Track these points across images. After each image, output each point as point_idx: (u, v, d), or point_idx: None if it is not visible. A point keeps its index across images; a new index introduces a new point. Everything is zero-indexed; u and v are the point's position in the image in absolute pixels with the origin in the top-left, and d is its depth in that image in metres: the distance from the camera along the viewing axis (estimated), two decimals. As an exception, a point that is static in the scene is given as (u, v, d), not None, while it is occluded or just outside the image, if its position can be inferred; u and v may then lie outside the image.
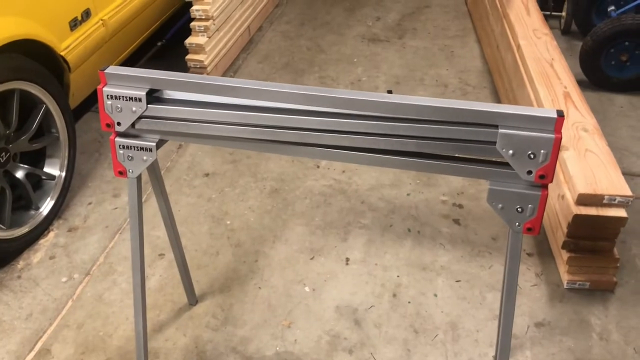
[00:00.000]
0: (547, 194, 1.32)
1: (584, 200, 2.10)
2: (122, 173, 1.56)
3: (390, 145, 1.38)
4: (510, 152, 1.29)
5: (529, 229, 1.36)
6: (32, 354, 2.04)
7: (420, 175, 2.80)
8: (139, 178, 1.59)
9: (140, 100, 1.45)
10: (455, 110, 1.30)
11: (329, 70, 3.68)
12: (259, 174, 2.83)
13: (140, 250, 1.67)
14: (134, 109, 1.46)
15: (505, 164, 1.33)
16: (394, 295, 2.22)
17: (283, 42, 4.02)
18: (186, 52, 3.41)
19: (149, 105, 1.46)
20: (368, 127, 1.37)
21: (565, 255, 2.22)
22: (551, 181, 1.30)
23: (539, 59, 2.87)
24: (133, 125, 1.50)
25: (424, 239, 2.46)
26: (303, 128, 1.41)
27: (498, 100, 3.35)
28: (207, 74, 3.40)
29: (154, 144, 1.52)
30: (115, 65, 3.05)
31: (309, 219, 2.57)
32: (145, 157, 1.53)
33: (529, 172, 1.30)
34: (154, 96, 1.49)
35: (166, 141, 1.57)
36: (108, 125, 1.50)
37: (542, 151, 1.27)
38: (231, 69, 3.71)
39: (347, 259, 2.37)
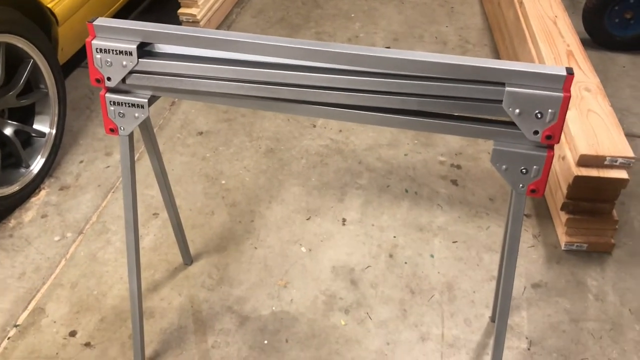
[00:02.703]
0: (553, 155, 1.28)
1: (585, 161, 2.06)
2: (113, 130, 1.51)
3: (392, 104, 1.33)
4: (517, 111, 1.24)
5: (532, 191, 1.33)
6: (26, 312, 2.02)
7: (418, 135, 2.75)
8: (130, 136, 1.54)
9: (131, 54, 1.38)
10: (460, 67, 1.24)
11: (326, 25, 3.58)
12: (254, 133, 2.78)
13: (134, 210, 1.63)
14: (124, 63, 1.39)
15: (511, 124, 1.28)
16: (391, 256, 2.21)
17: (278, -3, 3.90)
18: (178, 5, 3.30)
19: (140, 60, 1.39)
20: (369, 84, 1.32)
21: (563, 216, 2.20)
22: (558, 142, 1.26)
23: (541, 16, 2.79)
24: (124, 80, 1.44)
25: (421, 200, 2.43)
26: (301, 85, 1.35)
27: (498, 58, 3.28)
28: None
29: (146, 100, 1.46)
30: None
31: (305, 179, 2.53)
32: (137, 114, 1.48)
33: (536, 132, 1.26)
34: (145, 50, 1.42)
35: (159, 97, 1.51)
36: (98, 81, 1.43)
37: (549, 110, 1.23)
38: (224, 24, 3.60)
39: (344, 220, 2.35)
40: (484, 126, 1.32)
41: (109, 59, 1.39)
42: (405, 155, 2.66)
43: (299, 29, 3.55)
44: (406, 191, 2.48)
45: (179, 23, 3.30)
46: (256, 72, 1.36)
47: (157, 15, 3.70)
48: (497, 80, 1.24)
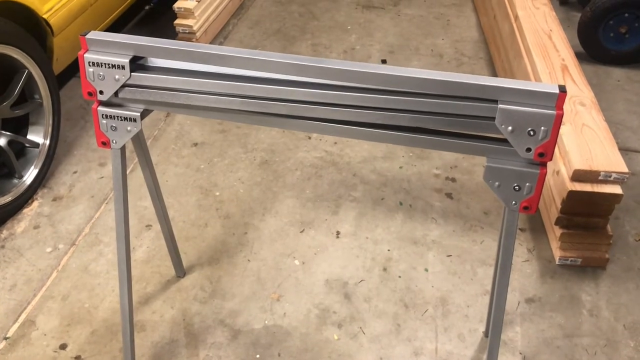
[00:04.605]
0: (546, 172, 1.28)
1: (579, 176, 2.06)
2: (105, 144, 1.50)
3: (385, 120, 1.32)
4: (510, 128, 1.24)
5: (525, 208, 1.32)
6: (16, 325, 2.00)
7: (413, 148, 2.75)
8: (123, 149, 1.53)
9: (123, 67, 1.38)
10: (453, 84, 1.24)
11: (322, 37, 3.59)
12: (249, 145, 2.78)
13: (125, 223, 1.62)
14: (117, 77, 1.39)
15: (504, 141, 1.28)
16: (385, 270, 2.20)
17: (274, 8, 3.91)
18: (175, 16, 3.30)
19: (132, 73, 1.39)
20: (361, 100, 1.31)
21: (558, 231, 2.19)
22: (550, 159, 1.25)
23: (537, 30, 2.80)
24: (116, 94, 1.43)
25: (416, 213, 2.43)
26: (294, 100, 1.35)
27: (494, 71, 3.29)
28: (196, 39, 3.30)
29: (139, 114, 1.46)
30: (102, 29, 2.96)
31: (300, 192, 2.53)
32: (129, 128, 1.47)
33: (528, 150, 1.26)
34: (138, 64, 1.42)
35: (151, 111, 1.51)
36: (90, 94, 1.43)
37: (542, 128, 1.23)
38: (221, 35, 3.61)
39: (338, 232, 2.34)
40: (476, 143, 1.32)
41: (101, 73, 1.39)
42: (400, 168, 2.65)
43: (294, 41, 3.55)
44: (400, 204, 2.47)
45: (175, 34, 3.30)
46: (249, 87, 1.36)
47: (153, 26, 3.70)
48: (490, 97, 1.24)
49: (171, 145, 2.77)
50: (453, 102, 1.25)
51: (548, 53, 2.62)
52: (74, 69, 3.02)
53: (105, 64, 1.38)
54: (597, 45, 3.28)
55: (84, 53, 1.39)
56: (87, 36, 1.38)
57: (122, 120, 1.46)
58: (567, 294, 2.12)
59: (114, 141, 1.50)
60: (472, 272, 2.19)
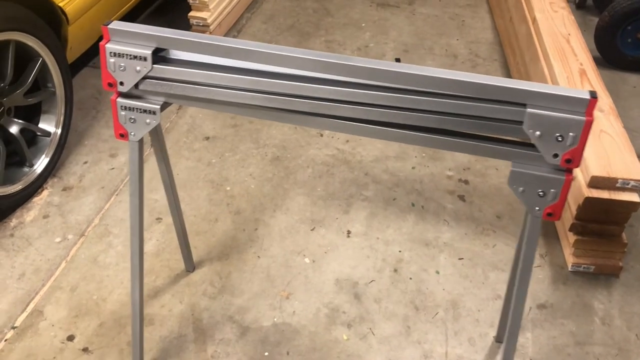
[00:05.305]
0: (572, 179, 1.26)
1: (596, 183, 2.04)
2: (123, 136, 1.48)
3: (410, 120, 1.30)
4: (538, 133, 1.22)
5: (549, 214, 1.30)
6: (24, 314, 1.99)
7: (426, 148, 2.73)
8: (141, 141, 1.51)
9: (145, 59, 1.36)
10: (482, 86, 1.22)
11: (336, 34, 3.56)
12: (261, 140, 2.76)
13: (140, 216, 1.61)
14: (138, 68, 1.37)
15: (530, 145, 1.26)
16: (395, 271, 2.18)
17: (288, 3, 3.88)
18: (189, 8, 3.28)
19: (154, 65, 1.37)
20: (387, 100, 1.29)
21: (572, 237, 2.17)
22: (577, 166, 1.23)
23: (555, 33, 2.77)
24: (136, 85, 1.41)
25: (428, 215, 2.41)
26: (318, 97, 1.33)
27: (508, 73, 3.26)
28: (210, 32, 3.28)
29: (158, 106, 1.44)
30: (115, 19, 2.93)
31: (311, 189, 2.51)
32: (148, 120, 1.45)
33: (555, 155, 1.24)
34: (159, 56, 1.40)
35: (170, 104, 1.49)
36: (110, 85, 1.41)
37: (570, 134, 1.20)
38: (234, 29, 3.59)
39: (349, 232, 2.32)
40: (502, 147, 1.30)
41: (122, 64, 1.37)
42: (413, 168, 2.63)
43: (309, 37, 3.53)
44: (413, 205, 2.45)
45: (189, 26, 3.28)
46: (271, 83, 1.34)
47: (166, 18, 3.68)
48: (519, 100, 1.22)
49: (183, 139, 2.75)
50: (482, 104, 1.23)
51: (566, 57, 2.60)
52: (86, 57, 3.00)
53: (126, 54, 1.36)
54: (614, 51, 3.25)
55: (106, 43, 1.37)
56: (109, 26, 1.36)
57: (141, 112, 1.44)
58: (579, 301, 2.10)
59: (132, 133, 1.48)
60: (484, 276, 2.17)
